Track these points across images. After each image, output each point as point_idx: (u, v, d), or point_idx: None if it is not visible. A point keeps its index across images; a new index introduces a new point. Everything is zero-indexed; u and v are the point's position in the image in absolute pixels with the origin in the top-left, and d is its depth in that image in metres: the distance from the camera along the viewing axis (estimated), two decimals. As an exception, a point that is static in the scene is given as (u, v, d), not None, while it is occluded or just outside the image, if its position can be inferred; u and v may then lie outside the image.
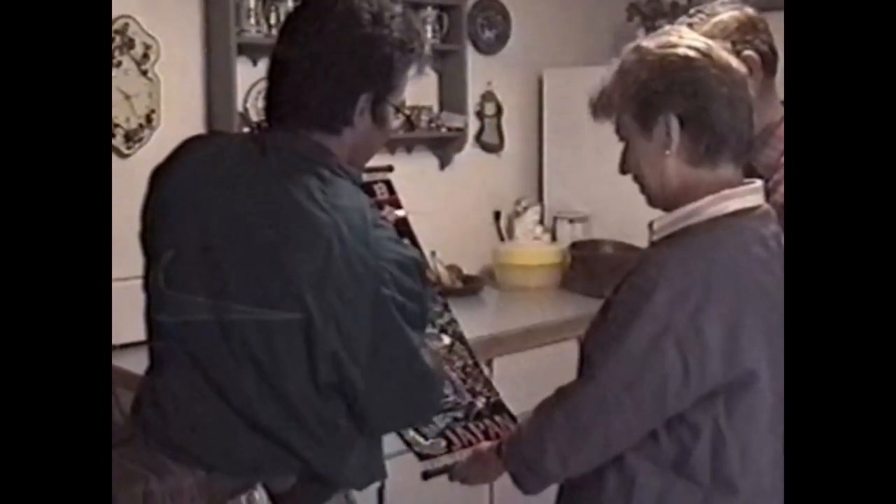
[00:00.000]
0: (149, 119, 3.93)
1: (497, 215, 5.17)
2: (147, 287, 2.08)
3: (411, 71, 2.08)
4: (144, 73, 3.91)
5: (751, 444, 1.94)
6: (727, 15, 2.39)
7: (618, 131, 2.06)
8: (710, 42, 2.03)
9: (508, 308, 4.70)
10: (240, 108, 4.12)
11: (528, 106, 5.28)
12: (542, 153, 5.27)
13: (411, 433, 2.29)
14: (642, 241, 2.14)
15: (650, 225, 2.04)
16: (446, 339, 2.42)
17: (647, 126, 1.98)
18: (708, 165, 1.98)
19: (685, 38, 2.02)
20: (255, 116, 4.13)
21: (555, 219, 5.11)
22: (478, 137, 5.09)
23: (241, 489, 2.03)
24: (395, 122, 2.14)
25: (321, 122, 2.01)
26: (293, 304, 1.90)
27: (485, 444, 2.30)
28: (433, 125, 4.74)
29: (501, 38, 5.13)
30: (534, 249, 4.96)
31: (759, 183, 2.04)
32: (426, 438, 2.31)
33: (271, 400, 1.96)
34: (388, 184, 2.35)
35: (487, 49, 5.08)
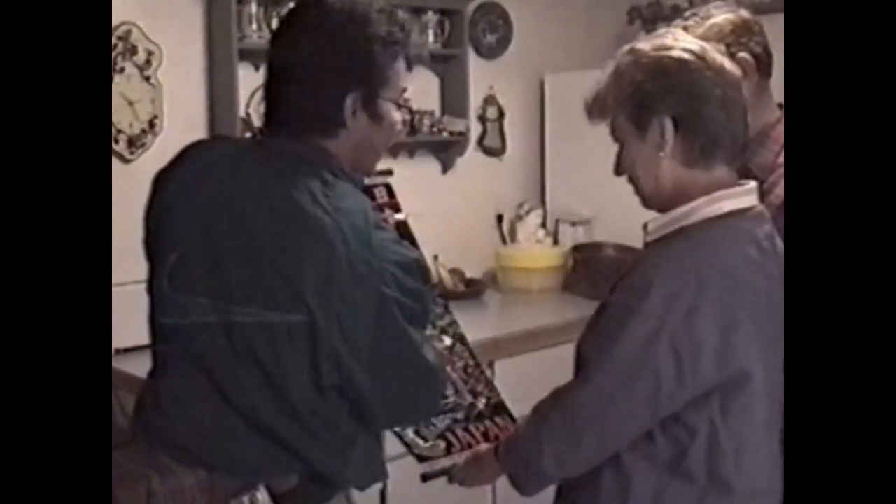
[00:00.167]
0: (151, 124, 3.95)
1: (499, 219, 5.18)
2: (151, 290, 2.09)
3: (400, 63, 2.08)
4: (147, 79, 3.93)
5: (746, 443, 1.95)
6: (721, 18, 2.40)
7: (613, 133, 2.06)
8: (705, 44, 2.04)
9: (511, 311, 4.72)
10: (242, 113, 4.14)
11: (529, 110, 5.28)
12: (544, 156, 5.28)
13: (411, 435, 2.30)
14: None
15: (645, 226, 2.05)
16: (447, 341, 2.43)
17: (642, 128, 1.99)
18: (702, 167, 1.99)
19: (680, 40, 2.03)
20: (257, 121, 4.14)
21: (557, 222, 5.12)
22: (480, 141, 5.10)
23: (243, 489, 2.04)
24: (398, 116, 2.12)
25: (314, 126, 2.03)
26: (296, 306, 1.91)
27: (483, 447, 2.31)
28: (435, 129, 4.75)
29: (503, 43, 5.14)
30: (536, 252, 4.97)
31: (753, 184, 2.05)
32: (426, 440, 2.32)
33: (274, 400, 1.97)
34: (388, 187, 2.36)
35: (489, 53, 5.10)
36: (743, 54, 2.32)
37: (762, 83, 2.39)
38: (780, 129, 2.39)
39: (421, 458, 2.30)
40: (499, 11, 5.10)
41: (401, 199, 2.34)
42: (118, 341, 3.01)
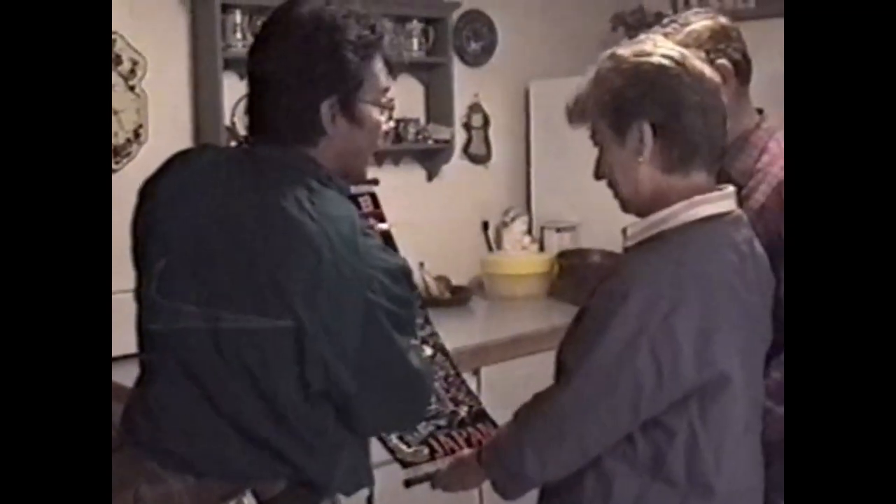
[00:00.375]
0: (136, 134, 3.96)
1: (485, 226, 5.19)
2: (139, 297, 2.09)
3: (376, 65, 2.08)
4: (132, 88, 3.94)
5: (726, 445, 1.97)
6: (700, 24, 2.41)
7: (593, 137, 2.08)
8: (684, 51, 2.05)
9: (497, 317, 4.73)
10: (227, 122, 4.14)
11: (514, 117, 5.29)
12: (530, 163, 5.28)
13: (394, 440, 2.31)
14: (630, 251, 2.15)
15: (624, 231, 2.06)
16: (428, 351, 2.44)
17: (621, 133, 2.00)
18: (681, 172, 2.00)
19: (659, 46, 2.05)
20: (242, 130, 4.14)
21: (542, 228, 5.13)
22: (465, 149, 5.11)
23: (231, 494, 2.04)
24: (380, 117, 2.12)
25: (295, 134, 2.03)
26: (283, 312, 1.92)
27: (466, 452, 2.31)
28: (420, 137, 4.76)
29: (487, 50, 5.15)
30: (522, 259, 4.99)
31: (731, 189, 2.06)
32: (409, 446, 2.32)
33: (261, 406, 1.98)
34: (373, 196, 2.36)
35: (474, 61, 5.11)
36: (721, 60, 2.33)
37: (741, 89, 2.40)
38: (759, 134, 2.41)
39: (404, 464, 2.30)
40: (483, 19, 5.11)
41: (386, 206, 2.35)
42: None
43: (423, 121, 4.83)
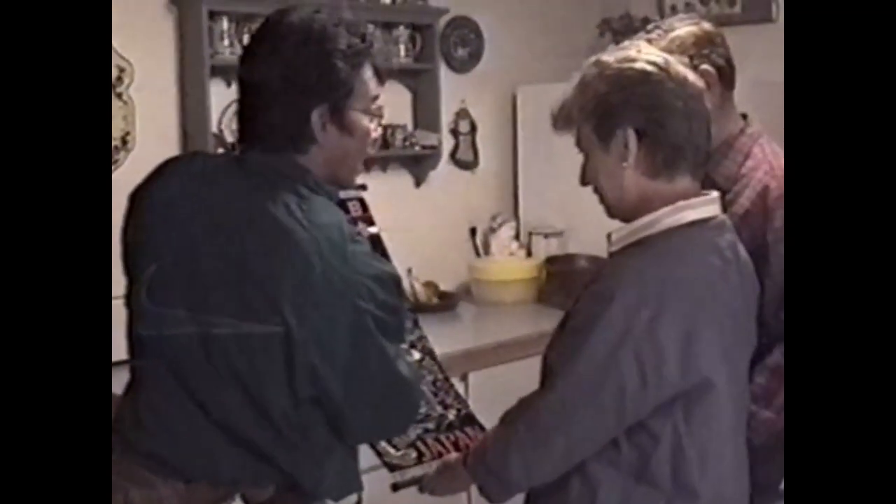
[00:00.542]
0: (124, 141, 3.96)
1: (473, 231, 5.19)
2: (129, 303, 2.10)
3: (366, 73, 2.09)
4: (119, 95, 3.94)
5: (710, 450, 1.98)
6: (684, 30, 2.42)
7: (578, 143, 2.09)
8: (668, 57, 2.06)
9: (484, 323, 4.73)
10: (214, 129, 4.15)
11: (502, 123, 5.30)
12: (517, 169, 5.29)
13: (382, 443, 2.31)
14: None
15: (608, 236, 2.07)
16: (416, 355, 2.45)
17: (605, 139, 2.01)
18: (665, 178, 2.01)
19: (643, 52, 2.06)
20: (229, 137, 4.16)
21: (530, 234, 5.13)
22: (452, 155, 5.11)
23: (220, 499, 2.05)
24: (370, 125, 2.13)
25: (285, 142, 2.04)
26: (272, 318, 1.93)
27: (453, 456, 2.32)
28: (408, 143, 4.76)
29: (474, 56, 5.16)
30: (509, 265, 4.99)
31: (715, 194, 2.07)
32: (397, 449, 2.32)
33: (250, 411, 1.99)
34: (362, 201, 2.37)
35: (461, 67, 5.11)
36: (705, 66, 2.34)
37: (725, 94, 2.42)
38: (743, 139, 2.42)
39: (392, 467, 2.31)
40: (470, 25, 5.12)
41: (374, 212, 2.36)
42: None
43: (410, 127, 4.83)
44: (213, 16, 4.09)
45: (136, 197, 2.13)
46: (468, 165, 5.19)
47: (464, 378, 3.84)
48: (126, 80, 3.94)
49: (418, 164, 4.93)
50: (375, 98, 2.14)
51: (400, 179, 4.90)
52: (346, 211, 2.23)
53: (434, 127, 4.86)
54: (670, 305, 1.89)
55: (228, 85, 4.16)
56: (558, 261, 4.91)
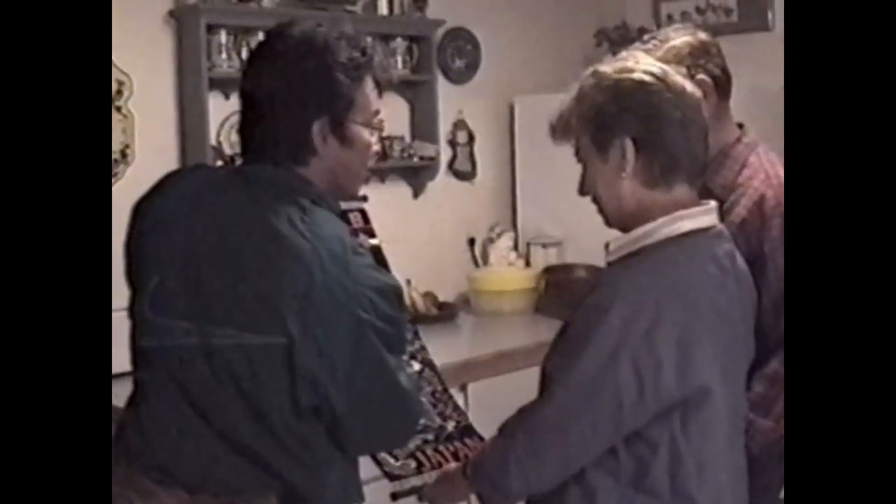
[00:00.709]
0: (123, 154, 3.96)
1: (471, 242, 5.19)
2: (132, 314, 2.11)
3: (367, 86, 2.11)
4: (118, 109, 3.95)
5: (707, 458, 1.98)
6: (680, 40, 2.43)
7: (576, 153, 2.10)
8: (666, 67, 2.07)
9: (483, 333, 4.72)
10: (213, 141, 4.15)
11: (499, 133, 5.31)
12: (515, 179, 5.30)
13: (382, 454, 2.32)
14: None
15: (606, 246, 2.08)
16: (416, 366, 2.46)
17: (603, 148, 2.02)
18: (663, 187, 2.02)
19: (641, 63, 2.07)
20: (228, 150, 4.17)
21: (528, 244, 5.13)
22: (450, 165, 5.12)
23: (223, 510, 2.06)
24: (371, 138, 2.14)
25: (286, 154, 2.05)
26: (275, 329, 1.93)
27: (452, 466, 2.32)
28: (406, 154, 4.77)
29: (472, 67, 5.16)
30: (508, 275, 4.99)
31: (712, 204, 2.08)
32: (396, 459, 2.33)
33: (253, 422, 1.99)
34: (363, 213, 2.39)
35: (458, 78, 5.12)
36: (701, 76, 2.36)
37: (721, 104, 2.43)
38: (740, 148, 2.43)
39: (392, 477, 2.31)
40: (467, 36, 5.13)
41: (373, 223, 2.37)
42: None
43: (408, 138, 4.84)
44: (212, 29, 4.10)
45: (140, 209, 2.14)
46: (466, 176, 5.19)
47: (463, 388, 3.84)
48: (125, 94, 3.95)
49: (416, 175, 4.94)
50: (377, 112, 2.15)
51: (398, 190, 4.91)
52: (347, 222, 2.24)
53: (432, 138, 4.86)
54: (667, 315, 1.90)
55: (227, 98, 4.18)
56: (556, 270, 4.91)
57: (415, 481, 2.33)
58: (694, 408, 1.95)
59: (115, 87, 3.92)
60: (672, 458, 1.95)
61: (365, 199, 2.39)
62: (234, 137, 4.12)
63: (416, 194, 4.98)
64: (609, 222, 2.10)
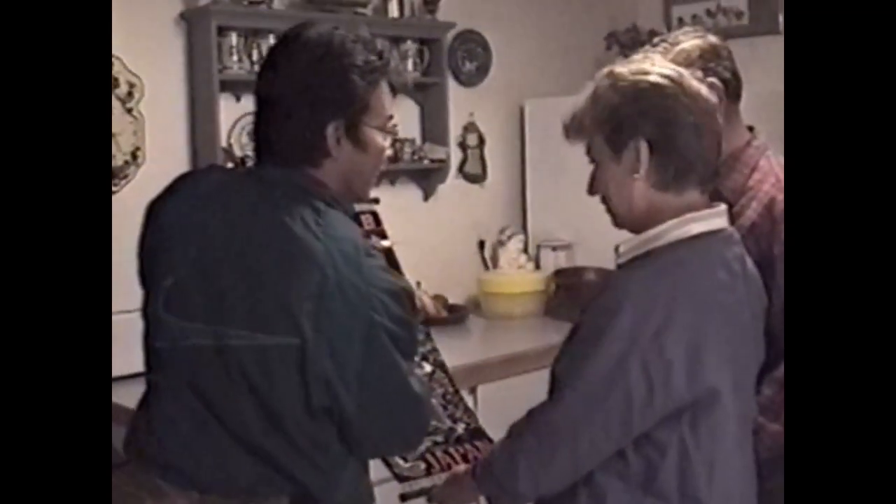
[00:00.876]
0: (134, 156, 3.98)
1: (481, 245, 5.20)
2: (146, 316, 2.12)
3: (382, 90, 2.11)
4: (129, 111, 3.96)
5: (717, 461, 1.98)
6: (690, 43, 2.43)
7: (589, 153, 2.09)
8: (683, 71, 2.06)
9: (493, 336, 4.72)
10: (224, 143, 4.16)
11: (509, 136, 5.31)
12: (525, 182, 5.30)
13: None
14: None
15: (616, 248, 2.08)
16: (427, 368, 2.46)
17: (617, 149, 2.02)
18: (675, 190, 2.01)
19: (657, 65, 2.06)
20: (238, 152, 4.18)
21: (538, 247, 5.13)
22: (461, 168, 5.12)
23: (235, 511, 2.06)
24: (384, 142, 2.14)
25: (299, 156, 2.06)
26: (287, 329, 1.94)
27: (461, 467, 2.32)
28: (416, 157, 4.77)
29: (482, 70, 5.17)
30: (518, 278, 4.99)
31: (722, 207, 2.07)
32: (406, 460, 2.33)
33: (265, 422, 1.99)
34: (375, 215, 2.39)
35: (468, 81, 5.12)
36: (712, 79, 2.34)
37: (731, 107, 2.42)
38: (750, 152, 2.43)
39: (401, 478, 2.31)
40: (478, 39, 5.13)
41: (384, 225, 2.38)
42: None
43: (418, 141, 4.85)
44: (222, 31, 4.11)
45: (153, 210, 2.16)
46: (476, 179, 5.20)
47: (473, 391, 3.84)
48: (136, 96, 3.96)
49: (427, 178, 4.94)
50: (390, 116, 2.15)
51: (408, 193, 4.92)
52: (360, 224, 2.25)
53: (442, 140, 4.87)
54: (677, 317, 1.90)
55: (237, 100, 4.19)
56: (566, 273, 4.91)
57: (424, 483, 2.33)
58: (703, 410, 1.94)
59: (126, 89, 3.93)
60: (681, 460, 1.95)
61: (376, 201, 2.40)
62: (245, 139, 4.14)
63: (426, 197, 4.98)
64: (617, 223, 2.10)
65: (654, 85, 2.01)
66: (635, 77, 2.03)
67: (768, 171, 2.39)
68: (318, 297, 1.93)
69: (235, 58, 4.15)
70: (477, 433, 2.48)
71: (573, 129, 2.10)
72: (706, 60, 2.39)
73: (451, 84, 4.96)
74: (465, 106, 5.07)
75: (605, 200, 2.10)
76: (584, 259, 4.92)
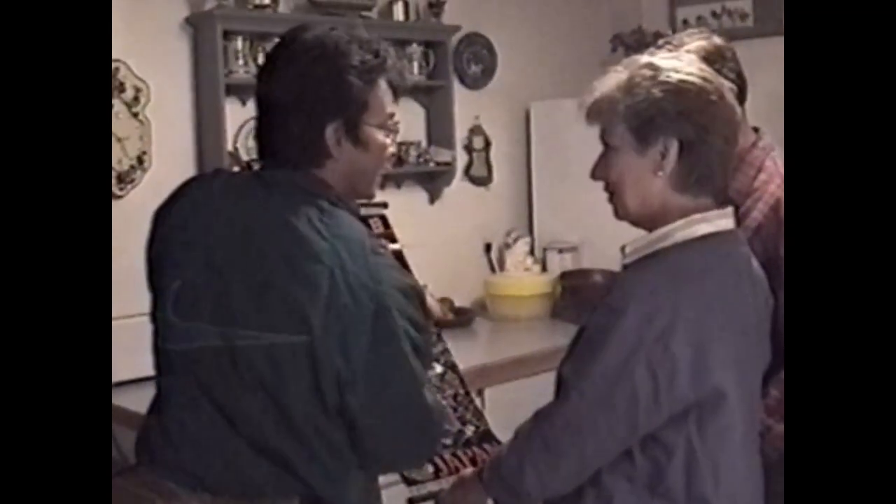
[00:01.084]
0: (140, 161, 3.99)
1: (488, 247, 5.20)
2: (155, 319, 2.13)
3: (381, 89, 2.11)
4: (135, 115, 3.97)
5: (723, 461, 1.97)
6: (695, 45, 2.43)
7: (605, 137, 2.05)
8: (718, 76, 2.06)
9: (500, 338, 4.73)
10: (230, 147, 4.17)
11: (515, 139, 5.31)
12: (531, 185, 5.30)
13: None
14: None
15: (622, 248, 2.07)
16: (438, 368, 2.45)
17: (644, 142, 1.99)
18: (692, 193, 2.00)
19: (695, 65, 2.05)
20: (245, 155, 4.18)
21: (545, 249, 5.14)
22: (467, 171, 5.13)
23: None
24: (385, 140, 2.14)
25: (301, 157, 2.06)
26: (296, 328, 1.94)
27: (468, 471, 2.31)
28: (422, 160, 4.78)
29: (488, 73, 5.18)
30: (524, 280, 5.00)
31: (729, 208, 2.06)
32: None
33: (277, 423, 2.00)
34: (384, 218, 2.40)
35: (474, 84, 5.13)
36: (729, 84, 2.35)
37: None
38: (756, 153, 2.43)
39: (409, 482, 2.31)
40: (483, 42, 5.14)
41: (393, 229, 2.38)
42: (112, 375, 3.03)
43: (424, 143, 4.85)
44: (228, 35, 4.12)
45: (160, 215, 2.17)
46: (482, 181, 5.20)
47: (480, 393, 3.84)
48: (142, 100, 3.97)
49: (433, 181, 4.95)
50: (392, 115, 2.15)
51: (414, 196, 4.92)
52: (368, 228, 2.25)
53: (448, 143, 4.87)
54: (683, 318, 1.89)
55: (243, 104, 4.20)
56: (573, 276, 4.91)
57: (432, 486, 2.32)
58: (709, 411, 1.94)
59: (132, 93, 3.94)
60: (687, 461, 1.95)
61: (385, 205, 2.40)
62: (251, 143, 4.14)
63: (432, 200, 4.99)
64: (620, 215, 2.07)
65: (698, 87, 1.98)
66: (678, 74, 1.99)
67: (774, 172, 2.39)
68: (325, 295, 1.93)
69: (241, 62, 4.16)
70: (486, 436, 2.48)
71: (595, 111, 2.05)
72: (711, 62, 2.37)
73: (457, 87, 4.97)
74: (470, 109, 5.08)
75: (611, 187, 2.07)
76: (590, 261, 4.92)
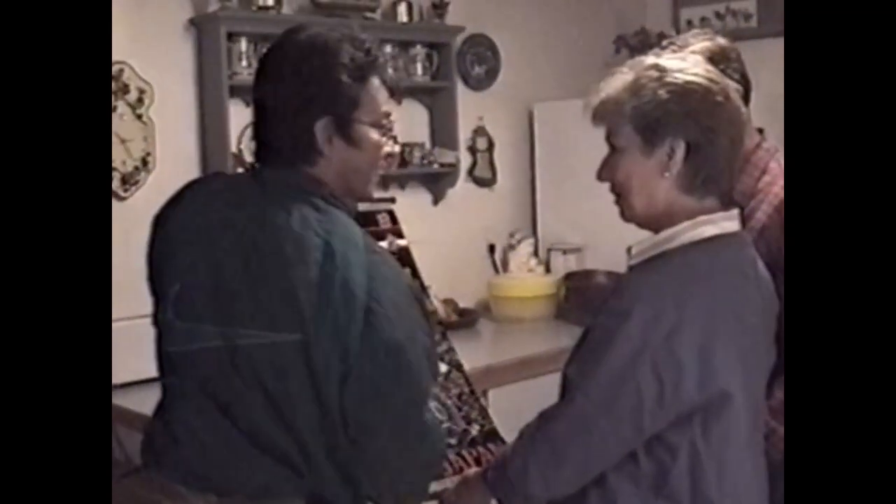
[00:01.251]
0: (144, 162, 4.00)
1: (491, 248, 5.21)
2: (156, 322, 2.13)
3: (373, 86, 2.10)
4: (139, 117, 3.98)
5: (728, 463, 1.97)
6: (699, 46, 2.43)
7: (610, 138, 2.05)
8: (724, 77, 2.06)
9: (504, 339, 4.74)
10: (233, 148, 4.18)
11: (519, 140, 5.32)
12: (535, 186, 5.32)
13: None
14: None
15: (628, 250, 2.06)
16: (443, 367, 2.45)
17: (651, 144, 1.98)
18: (699, 194, 1.99)
19: (701, 66, 2.05)
20: (248, 157, 4.17)
21: (548, 250, 5.15)
22: (470, 172, 5.14)
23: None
24: (379, 138, 2.13)
25: (294, 155, 2.07)
26: (293, 326, 1.94)
27: (472, 471, 2.31)
28: (426, 161, 4.80)
29: (491, 74, 5.19)
30: (528, 281, 5.00)
31: (734, 210, 2.06)
32: None
33: (278, 422, 1.99)
34: (391, 214, 2.40)
35: (477, 85, 5.14)
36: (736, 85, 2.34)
37: (741, 109, 2.42)
38: (760, 154, 2.43)
39: (413, 482, 2.31)
40: (486, 43, 5.15)
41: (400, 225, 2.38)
42: (114, 377, 3.03)
43: (428, 145, 4.86)
44: (232, 37, 4.13)
45: (160, 218, 2.17)
46: (486, 182, 5.21)
47: (484, 394, 3.82)
48: (146, 102, 3.98)
49: (436, 182, 4.96)
50: (387, 113, 2.15)
51: (418, 197, 4.93)
52: (376, 223, 2.25)
53: (452, 145, 4.88)
54: (688, 319, 1.89)
55: (247, 105, 4.19)
56: (577, 277, 4.92)
57: (436, 486, 2.32)
58: (714, 413, 1.94)
59: (136, 95, 3.95)
60: (692, 463, 1.94)
61: (393, 200, 2.40)
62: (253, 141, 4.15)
63: (436, 201, 4.99)
64: (626, 216, 2.07)
65: (705, 88, 1.98)
66: (684, 76, 1.99)
67: (778, 173, 2.39)
68: (320, 293, 1.93)
69: (245, 63, 4.17)
70: (491, 435, 2.48)
71: (600, 112, 2.04)
72: (715, 63, 2.36)
73: (461, 88, 4.99)
74: (474, 110, 5.09)
75: (616, 189, 2.06)
76: (594, 262, 4.93)
